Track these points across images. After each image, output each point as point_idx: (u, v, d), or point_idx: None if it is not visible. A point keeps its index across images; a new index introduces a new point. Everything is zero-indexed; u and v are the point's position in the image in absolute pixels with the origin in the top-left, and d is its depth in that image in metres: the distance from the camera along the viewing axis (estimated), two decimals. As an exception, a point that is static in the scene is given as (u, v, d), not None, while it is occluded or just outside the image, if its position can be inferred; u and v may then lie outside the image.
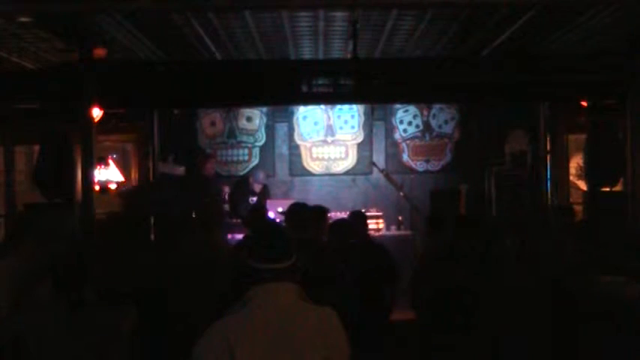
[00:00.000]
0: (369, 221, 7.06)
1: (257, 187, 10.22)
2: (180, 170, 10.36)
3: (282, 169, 11.27)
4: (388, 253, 6.08)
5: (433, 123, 11.31)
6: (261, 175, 10.36)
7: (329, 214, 6.05)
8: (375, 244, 6.17)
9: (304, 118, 11.23)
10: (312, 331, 2.72)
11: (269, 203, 9.43)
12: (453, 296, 4.29)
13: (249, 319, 2.70)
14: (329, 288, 4.50)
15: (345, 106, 11.10)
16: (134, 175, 9.80)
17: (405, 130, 11.32)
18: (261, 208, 7.82)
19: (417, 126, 11.31)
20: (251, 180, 10.33)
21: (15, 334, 3.43)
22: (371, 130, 11.27)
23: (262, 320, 2.69)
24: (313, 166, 11.27)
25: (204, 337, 2.69)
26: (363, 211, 7.38)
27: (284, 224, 5.59)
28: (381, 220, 9.59)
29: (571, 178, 9.97)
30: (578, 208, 9.37)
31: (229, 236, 8.56)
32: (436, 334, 4.45)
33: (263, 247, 2.84)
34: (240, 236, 8.10)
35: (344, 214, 9.36)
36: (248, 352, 2.62)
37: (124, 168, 9.55)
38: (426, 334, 4.82)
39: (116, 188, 9.10)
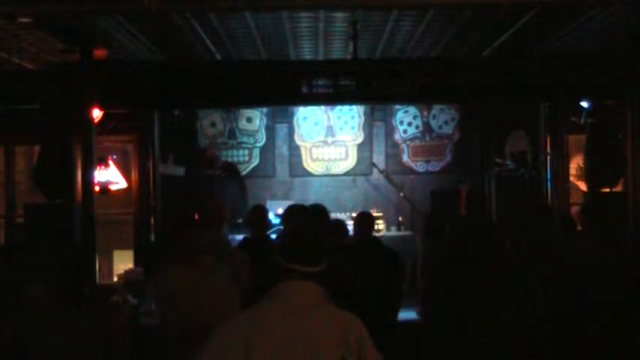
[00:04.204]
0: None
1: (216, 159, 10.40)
2: (180, 171, 10.36)
3: (282, 170, 11.26)
4: (396, 253, 6.10)
5: (433, 124, 11.31)
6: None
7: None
8: (381, 244, 6.19)
9: (304, 118, 11.23)
10: (330, 331, 2.70)
11: (269, 204, 9.41)
12: (457, 297, 4.28)
13: (269, 313, 2.70)
14: (330, 288, 4.49)
15: (345, 107, 11.10)
16: (134, 175, 9.80)
17: (405, 131, 11.32)
18: (261, 209, 7.80)
19: (417, 127, 11.31)
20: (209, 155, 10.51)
21: (17, 336, 3.42)
22: (371, 131, 11.27)
23: (282, 316, 2.69)
24: (313, 166, 11.27)
25: (222, 326, 2.71)
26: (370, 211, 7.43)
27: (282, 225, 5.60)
28: (381, 221, 9.59)
29: (571, 178, 9.97)
30: (578, 208, 9.39)
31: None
32: (442, 334, 4.43)
33: (299, 249, 2.81)
34: (239, 237, 8.08)
35: (344, 215, 9.40)
36: (264, 346, 2.62)
37: (124, 169, 9.55)
38: (433, 334, 4.81)
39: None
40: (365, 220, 6.28)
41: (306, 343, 2.65)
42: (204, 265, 4.54)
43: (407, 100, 9.58)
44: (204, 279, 4.49)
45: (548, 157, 9.68)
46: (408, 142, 11.32)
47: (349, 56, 8.24)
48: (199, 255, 4.56)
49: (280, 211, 8.64)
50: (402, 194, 10.48)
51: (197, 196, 9.20)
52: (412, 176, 11.01)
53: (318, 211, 5.90)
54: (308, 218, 5.52)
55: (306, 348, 2.65)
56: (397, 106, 11.13)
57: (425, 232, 6.54)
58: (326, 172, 11.26)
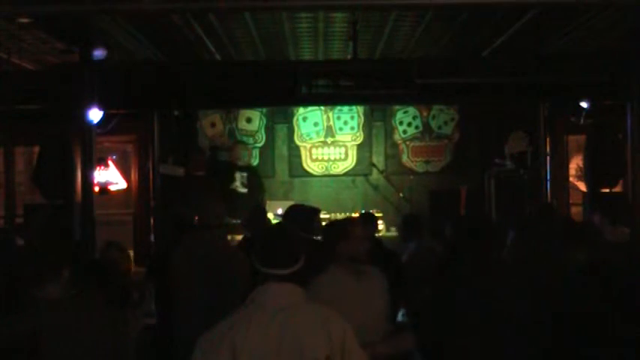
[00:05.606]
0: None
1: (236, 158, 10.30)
2: (180, 171, 10.35)
3: (281, 170, 11.26)
4: (396, 254, 6.09)
5: (433, 124, 11.31)
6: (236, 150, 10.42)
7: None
8: (382, 245, 6.18)
9: (304, 119, 11.23)
10: (314, 330, 2.73)
11: (268, 204, 9.41)
12: (452, 297, 4.26)
13: (251, 318, 2.72)
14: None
15: (345, 107, 11.09)
16: (134, 176, 9.80)
17: (404, 131, 11.31)
18: (260, 209, 7.81)
19: (417, 127, 11.31)
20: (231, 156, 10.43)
21: (31, 331, 3.42)
22: (371, 131, 11.26)
23: (264, 319, 2.71)
24: (313, 167, 11.26)
25: (207, 334, 2.73)
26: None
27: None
28: (380, 222, 9.58)
29: (571, 179, 9.97)
30: (578, 209, 9.40)
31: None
32: (432, 336, 4.42)
33: (269, 253, 2.84)
34: (239, 237, 8.08)
35: (344, 216, 9.39)
36: (249, 351, 2.65)
37: (123, 169, 9.54)
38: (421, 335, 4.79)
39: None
40: (368, 221, 6.26)
41: (291, 344, 2.68)
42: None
43: (407, 100, 9.59)
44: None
45: (548, 157, 9.68)
46: (407, 143, 11.31)
47: (349, 56, 8.24)
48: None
49: (280, 211, 8.65)
50: (401, 195, 10.47)
51: (196, 198, 9.21)
52: (412, 176, 11.00)
53: (310, 213, 5.88)
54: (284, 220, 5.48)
55: (290, 349, 2.67)
56: (397, 107, 11.12)
57: (402, 233, 6.44)
58: (326, 173, 11.26)
